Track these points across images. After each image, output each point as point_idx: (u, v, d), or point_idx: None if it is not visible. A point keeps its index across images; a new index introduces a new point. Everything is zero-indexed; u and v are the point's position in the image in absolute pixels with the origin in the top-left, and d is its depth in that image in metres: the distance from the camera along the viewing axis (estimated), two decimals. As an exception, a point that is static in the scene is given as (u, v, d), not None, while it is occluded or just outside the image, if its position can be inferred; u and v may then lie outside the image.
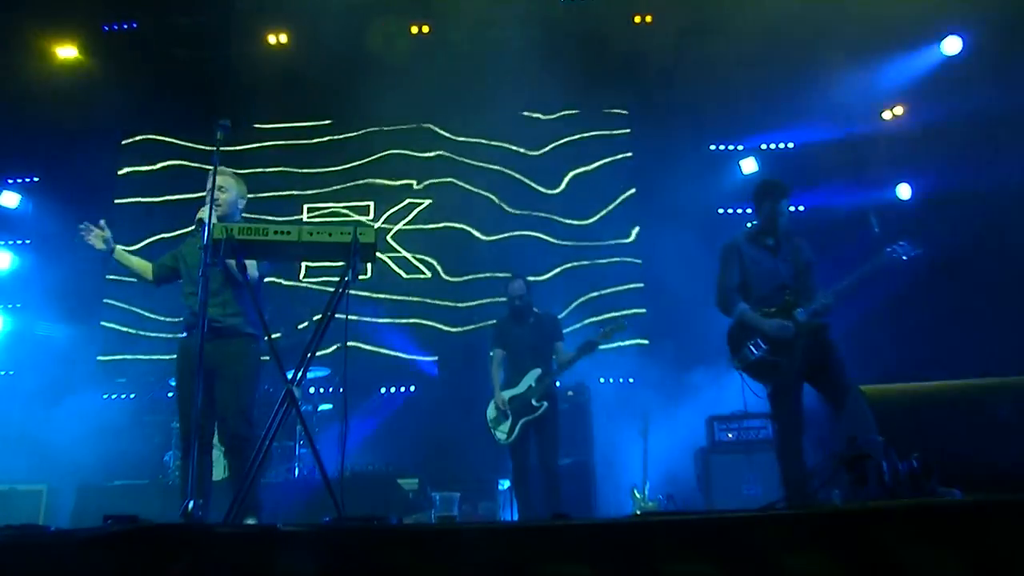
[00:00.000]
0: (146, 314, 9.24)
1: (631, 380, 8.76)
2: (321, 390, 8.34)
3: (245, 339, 5.06)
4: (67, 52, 9.39)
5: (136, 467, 7.88)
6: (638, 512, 6.53)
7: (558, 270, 9.21)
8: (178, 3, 9.10)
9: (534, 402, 6.59)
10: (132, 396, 8.78)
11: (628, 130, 9.62)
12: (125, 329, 9.23)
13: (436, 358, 8.95)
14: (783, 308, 5.40)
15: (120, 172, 9.79)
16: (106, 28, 9.56)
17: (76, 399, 8.21)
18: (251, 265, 4.88)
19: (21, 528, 3.38)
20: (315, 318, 8.31)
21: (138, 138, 9.86)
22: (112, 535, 2.98)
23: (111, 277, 9.34)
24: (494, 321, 7.59)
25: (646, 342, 8.85)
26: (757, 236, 5.73)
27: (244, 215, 5.40)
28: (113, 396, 8.94)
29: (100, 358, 9.10)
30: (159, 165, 9.78)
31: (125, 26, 9.60)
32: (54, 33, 9.34)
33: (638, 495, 7.11)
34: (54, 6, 8.93)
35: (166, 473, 7.49)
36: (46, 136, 9.62)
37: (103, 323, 9.23)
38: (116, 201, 9.60)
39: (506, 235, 9.39)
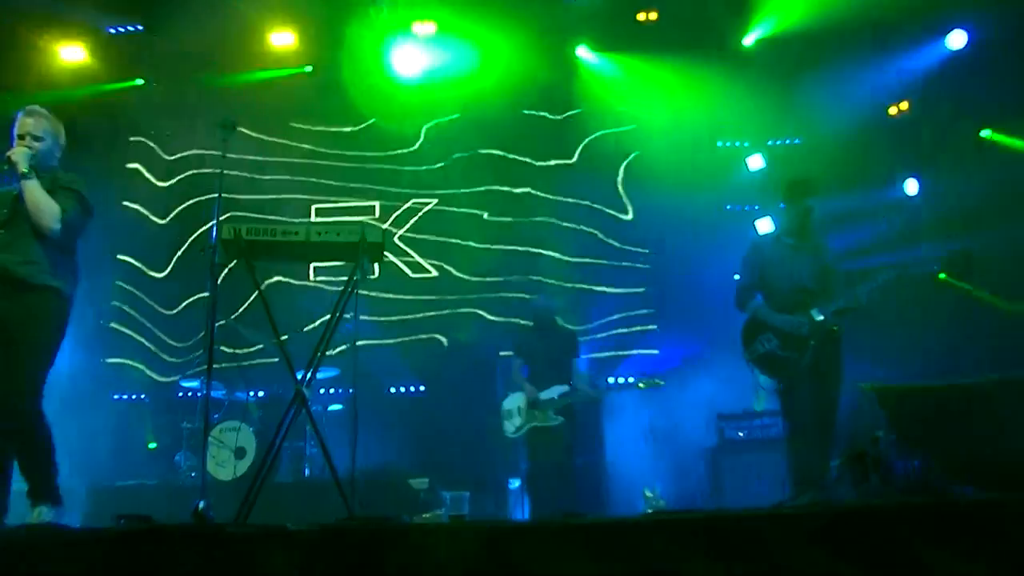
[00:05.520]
0: (153, 329, 9.21)
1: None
2: (332, 390, 8.36)
3: (41, 292, 4.43)
4: (73, 54, 9.42)
5: (147, 467, 7.90)
6: (649, 511, 6.55)
7: (570, 285, 9.19)
8: (183, 6, 9.08)
9: (551, 413, 6.82)
10: (142, 397, 8.79)
11: (634, 126, 9.57)
12: (136, 337, 9.21)
13: (444, 361, 8.91)
14: (799, 307, 5.41)
15: (128, 165, 9.72)
16: (111, 30, 9.57)
17: (86, 400, 8.21)
18: (49, 214, 4.40)
19: (37, 527, 3.41)
20: (323, 319, 8.53)
21: (143, 139, 9.81)
22: (125, 534, 3.00)
23: (120, 283, 9.33)
24: (503, 320, 7.70)
25: (656, 351, 8.83)
26: (781, 235, 5.76)
27: (254, 215, 5.37)
28: (123, 397, 8.95)
29: (107, 360, 9.08)
30: (164, 161, 9.72)
31: (131, 28, 9.62)
32: (59, 35, 9.36)
33: (649, 494, 7.11)
34: (59, 8, 8.92)
35: (177, 473, 7.51)
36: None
37: (111, 324, 9.22)
38: (124, 203, 9.57)
39: (515, 237, 9.35)
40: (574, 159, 9.57)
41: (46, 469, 4.31)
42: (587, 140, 9.55)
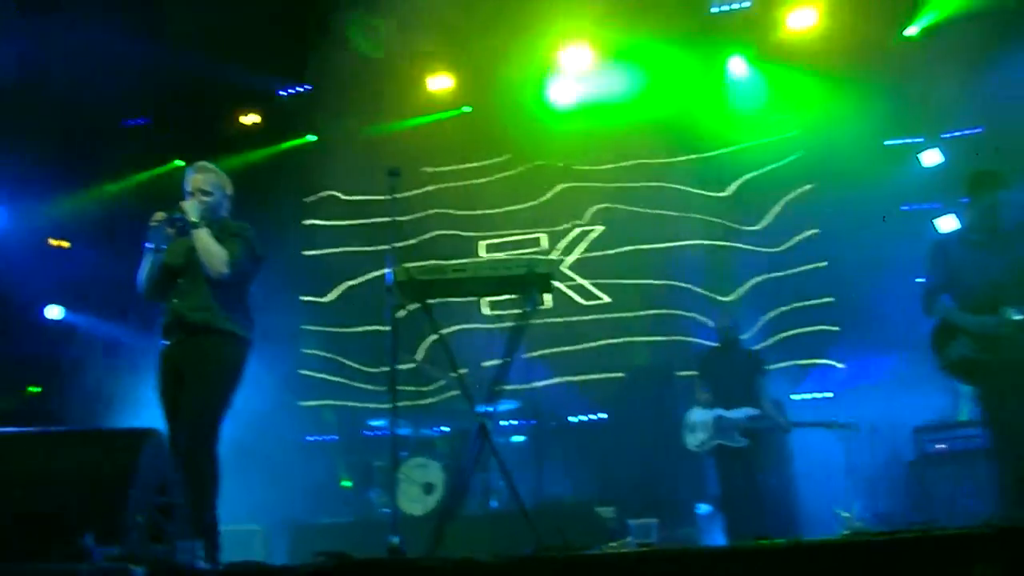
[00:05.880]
0: (342, 360, 9.64)
1: (829, 395, 8.39)
2: (513, 422, 8.46)
3: (218, 336, 4.58)
4: (250, 119, 10.17)
5: (343, 505, 8.21)
6: (847, 532, 6.28)
7: (742, 289, 8.95)
8: (346, 62, 9.53)
9: (737, 435, 6.77)
10: (335, 438, 9.15)
11: (795, 132, 9.26)
12: (328, 377, 9.62)
13: (623, 387, 8.84)
14: (993, 307, 5.07)
15: (304, 222, 10.25)
16: (282, 92, 10.22)
17: (283, 442, 8.62)
18: (218, 258, 4.53)
19: (244, 565, 3.62)
20: (501, 353, 8.67)
21: (321, 195, 10.31)
22: (322, 570, 3.13)
23: (306, 327, 9.81)
24: (677, 339, 7.60)
25: (841, 365, 8.46)
26: (967, 232, 5.47)
27: (422, 262, 5.44)
28: (317, 438, 9.35)
29: (301, 403, 9.51)
30: (339, 212, 10.18)
31: (299, 89, 10.25)
32: (239, 103, 10.13)
33: (845, 514, 6.80)
34: (238, 78, 9.58)
35: (371, 510, 7.77)
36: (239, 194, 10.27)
37: (300, 371, 9.66)
38: (303, 252, 10.07)
39: (682, 243, 9.22)
40: (732, 168, 9.40)
41: (206, 510, 4.39)
42: (745, 149, 9.36)
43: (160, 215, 4.56)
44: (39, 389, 9.48)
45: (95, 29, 8.13)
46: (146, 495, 3.60)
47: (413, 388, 8.82)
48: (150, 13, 8.43)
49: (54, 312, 9.71)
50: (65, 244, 9.88)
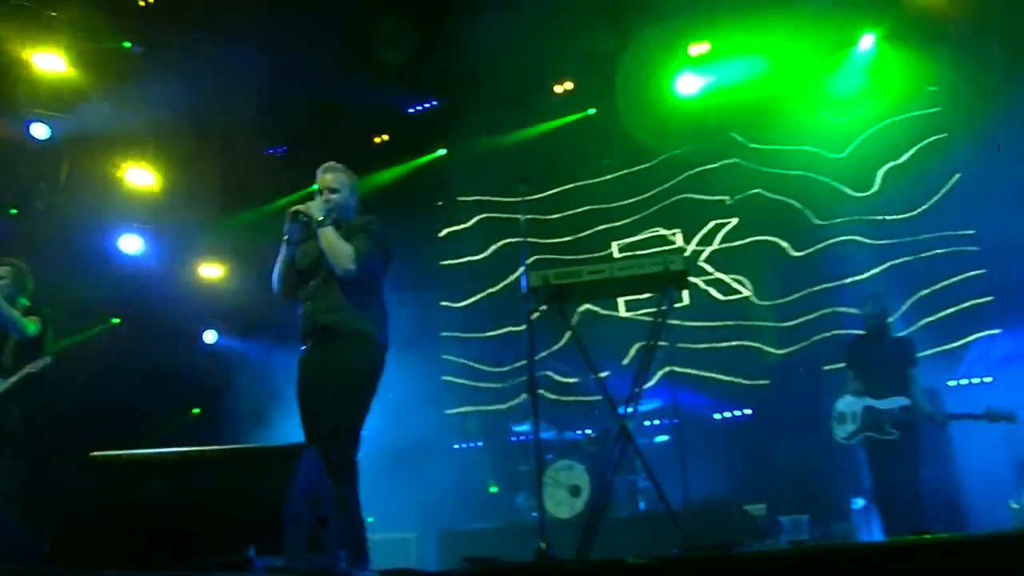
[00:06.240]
0: (479, 367, 9.79)
1: (987, 380, 7.94)
2: (656, 422, 8.39)
3: (352, 339, 4.42)
4: (380, 136, 10.67)
5: (491, 510, 8.32)
6: (1018, 526, 5.94)
7: (877, 269, 8.53)
8: (470, 75, 9.69)
9: (888, 427, 6.45)
10: (480, 444, 9.30)
11: (938, 108, 8.78)
12: (467, 382, 9.81)
13: (768, 382, 8.63)
14: None
15: (440, 234, 10.50)
16: (410, 110, 10.50)
17: (432, 451, 8.81)
18: (345, 255, 4.38)
19: (398, 572, 3.73)
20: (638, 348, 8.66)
21: (454, 202, 10.54)
22: (473, 575, 3.19)
23: (445, 333, 10.02)
24: (824, 335, 7.57)
25: (996, 331, 7.96)
26: None
27: (552, 258, 5.46)
28: (463, 445, 9.53)
29: (447, 412, 9.71)
30: (472, 222, 10.41)
31: (427, 105, 10.52)
32: (368, 123, 10.51)
33: (1015, 506, 6.42)
34: (366, 97, 9.90)
35: (519, 514, 7.85)
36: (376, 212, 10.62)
37: (444, 378, 9.87)
38: (440, 263, 10.31)
39: (822, 244, 8.86)
40: (872, 155, 8.95)
41: (348, 518, 4.12)
42: (880, 129, 8.94)
43: (292, 209, 4.55)
44: (198, 411, 9.99)
45: (241, 65, 8.56)
46: (303, 508, 3.75)
47: (548, 373, 8.87)
48: (281, 45, 8.80)
49: (210, 337, 10.23)
50: (217, 270, 10.40)
